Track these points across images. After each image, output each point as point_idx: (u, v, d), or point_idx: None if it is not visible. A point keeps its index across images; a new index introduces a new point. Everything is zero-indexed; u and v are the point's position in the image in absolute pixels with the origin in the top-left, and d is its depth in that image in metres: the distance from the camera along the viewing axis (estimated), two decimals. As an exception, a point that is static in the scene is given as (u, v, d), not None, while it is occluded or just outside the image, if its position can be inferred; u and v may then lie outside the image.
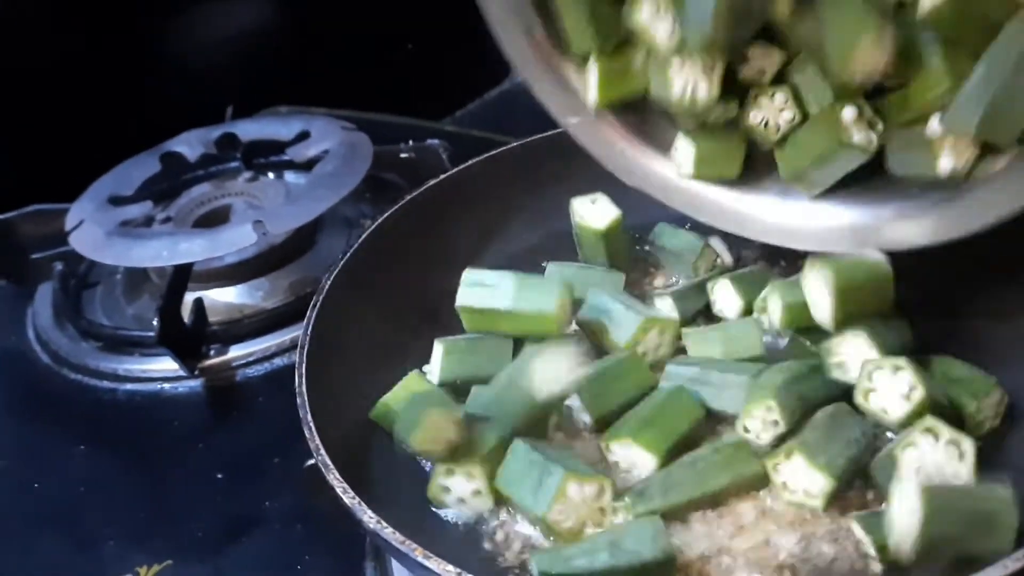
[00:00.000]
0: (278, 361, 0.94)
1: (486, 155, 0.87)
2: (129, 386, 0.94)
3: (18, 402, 0.96)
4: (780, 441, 0.65)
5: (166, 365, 0.93)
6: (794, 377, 0.67)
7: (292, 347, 0.94)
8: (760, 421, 0.65)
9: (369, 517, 0.56)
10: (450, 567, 0.52)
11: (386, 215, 0.81)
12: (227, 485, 0.82)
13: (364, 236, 0.79)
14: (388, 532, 0.55)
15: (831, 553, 0.60)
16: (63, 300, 1.03)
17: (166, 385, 0.93)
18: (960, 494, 0.58)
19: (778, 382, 0.66)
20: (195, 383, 0.93)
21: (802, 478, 0.62)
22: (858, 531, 0.60)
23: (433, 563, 0.52)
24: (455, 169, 0.86)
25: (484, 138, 1.21)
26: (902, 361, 0.63)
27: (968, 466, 0.59)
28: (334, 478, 0.59)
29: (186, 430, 0.89)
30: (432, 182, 0.84)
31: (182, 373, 0.92)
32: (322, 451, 0.60)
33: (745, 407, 0.65)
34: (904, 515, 0.55)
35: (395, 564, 0.71)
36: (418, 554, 0.53)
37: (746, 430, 0.65)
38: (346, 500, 0.57)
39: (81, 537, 0.79)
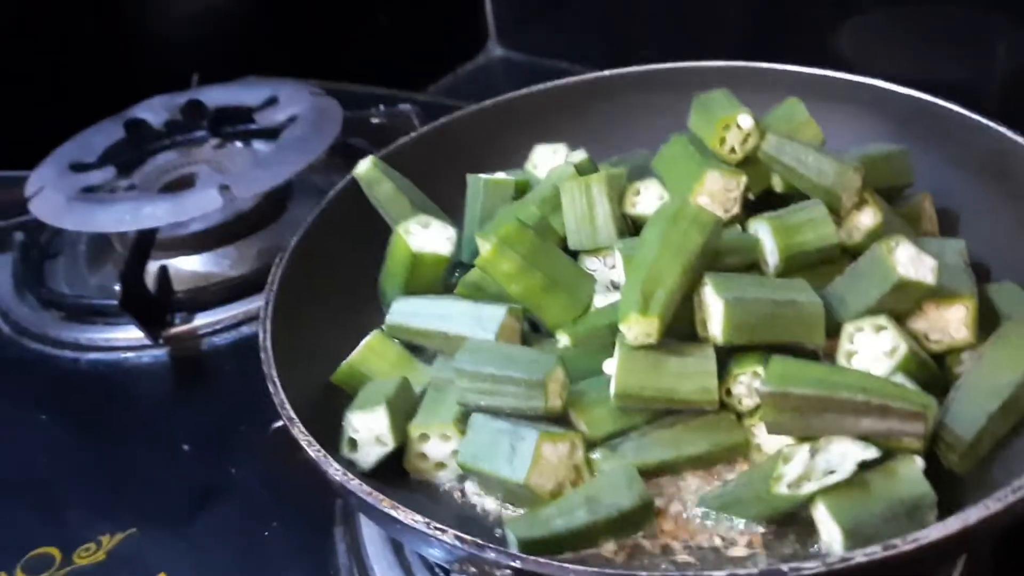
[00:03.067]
0: (245, 329, 0.91)
1: (457, 113, 0.86)
2: (92, 355, 0.91)
3: (-23, 372, 0.93)
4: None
5: (130, 334, 0.90)
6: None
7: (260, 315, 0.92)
8: (745, 387, 0.62)
9: (335, 470, 0.54)
10: (418, 517, 0.50)
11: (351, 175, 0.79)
12: (193, 454, 0.80)
13: (332, 195, 0.78)
14: (355, 484, 0.53)
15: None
16: (24, 270, 1.01)
17: (130, 354, 0.91)
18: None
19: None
20: (160, 352, 0.90)
21: (777, 443, 0.60)
22: (821, 513, 0.56)
23: (400, 514, 0.50)
24: (425, 128, 0.85)
25: (456, 107, 1.19)
26: (883, 320, 0.61)
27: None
28: (299, 431, 0.57)
29: (151, 399, 0.87)
30: (402, 140, 0.83)
31: (146, 342, 0.89)
32: (287, 406, 0.58)
33: (731, 371, 0.62)
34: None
35: (365, 529, 0.69)
36: (385, 505, 0.51)
37: (729, 394, 0.62)
38: (311, 453, 0.55)
39: (42, 506, 0.77)
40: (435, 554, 0.52)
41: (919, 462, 0.55)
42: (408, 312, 0.70)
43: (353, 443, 0.63)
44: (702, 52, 0.87)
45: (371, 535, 0.69)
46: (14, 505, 0.77)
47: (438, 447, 0.63)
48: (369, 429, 0.62)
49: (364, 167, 0.78)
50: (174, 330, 0.91)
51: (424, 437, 0.63)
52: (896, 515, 0.54)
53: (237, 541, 0.72)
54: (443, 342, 0.68)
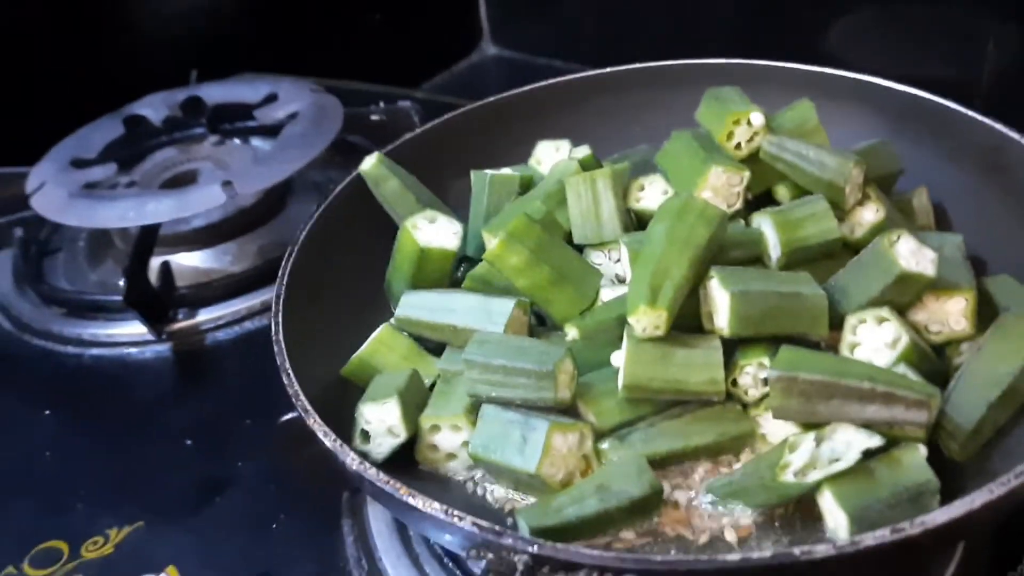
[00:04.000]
0: (248, 325, 0.92)
1: (459, 110, 0.86)
2: (95, 351, 0.91)
3: (-21, 368, 0.93)
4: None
5: (132, 329, 0.91)
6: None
7: (262, 311, 0.93)
8: (751, 377, 0.63)
9: (352, 459, 0.55)
10: (436, 504, 0.51)
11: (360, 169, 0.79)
12: (198, 447, 0.80)
13: (339, 189, 0.78)
14: (372, 473, 0.54)
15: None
16: (23, 266, 1.01)
17: (132, 350, 0.91)
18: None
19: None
20: (162, 347, 0.91)
21: (782, 433, 0.61)
22: (827, 500, 0.56)
23: (419, 501, 0.51)
24: (428, 124, 0.85)
25: (455, 104, 1.20)
26: (886, 311, 0.62)
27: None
28: (315, 422, 0.57)
29: (155, 394, 0.87)
30: (407, 136, 0.84)
31: (149, 337, 0.90)
32: (302, 397, 0.59)
33: (737, 362, 0.63)
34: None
35: (373, 522, 0.70)
36: (403, 493, 0.52)
37: (735, 384, 0.63)
38: (328, 444, 0.56)
39: (48, 501, 0.77)
40: (453, 541, 0.52)
41: (922, 450, 0.57)
42: (417, 305, 0.70)
43: (366, 435, 0.64)
44: (693, 50, 0.88)
45: (379, 527, 0.70)
46: (21, 499, 0.77)
47: (449, 438, 0.64)
48: (381, 421, 0.63)
49: (370, 163, 0.79)
50: (177, 325, 0.92)
51: (435, 428, 0.64)
52: (900, 502, 0.55)
53: (245, 534, 0.72)
54: (452, 335, 0.68)
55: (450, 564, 0.66)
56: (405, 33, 1.49)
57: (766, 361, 0.62)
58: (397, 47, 1.48)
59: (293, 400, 0.59)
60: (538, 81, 0.92)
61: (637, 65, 0.88)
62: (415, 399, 0.65)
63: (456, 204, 0.82)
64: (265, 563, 0.70)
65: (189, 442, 0.81)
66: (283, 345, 0.62)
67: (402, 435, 0.63)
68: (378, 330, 0.71)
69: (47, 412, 0.86)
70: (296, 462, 0.72)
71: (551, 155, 0.82)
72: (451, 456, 0.64)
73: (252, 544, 0.72)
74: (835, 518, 0.56)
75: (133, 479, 0.79)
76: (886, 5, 1.15)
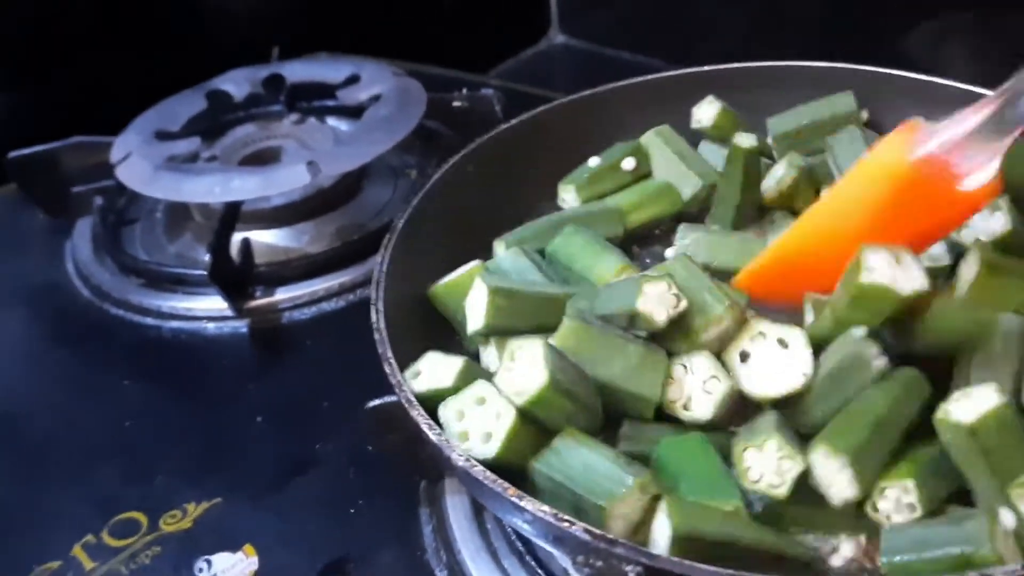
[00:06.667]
0: (325, 306, 0.92)
1: (572, 96, 0.86)
2: (173, 324, 0.92)
3: (60, 334, 0.93)
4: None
5: (210, 304, 0.91)
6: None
7: (341, 292, 0.93)
8: (894, 502, 0.58)
9: (458, 455, 0.54)
10: (545, 508, 0.50)
11: (461, 154, 0.80)
12: (276, 426, 0.80)
13: (435, 178, 0.78)
14: (478, 471, 0.53)
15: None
16: (103, 235, 1.01)
17: (210, 325, 0.91)
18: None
19: (922, 458, 0.58)
20: (240, 324, 0.91)
21: None
22: None
23: (528, 504, 0.51)
24: (540, 108, 0.85)
25: (530, 93, 1.19)
26: None
27: None
28: (418, 414, 0.57)
29: (233, 370, 0.87)
30: (514, 121, 0.84)
31: (227, 313, 0.90)
32: (405, 388, 0.59)
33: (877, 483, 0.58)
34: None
35: (451, 512, 0.70)
36: (511, 494, 0.52)
37: (875, 509, 0.58)
38: (432, 437, 0.56)
39: (129, 470, 0.77)
40: (560, 546, 0.52)
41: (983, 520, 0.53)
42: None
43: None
44: (765, 44, 0.86)
45: (458, 519, 0.69)
46: (101, 468, 0.78)
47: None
48: None
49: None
50: (255, 303, 0.92)
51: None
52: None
53: (322, 516, 0.72)
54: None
55: (531, 561, 0.65)
56: (474, 19, 1.48)
57: (911, 484, 0.57)
58: (465, 33, 1.47)
59: (396, 391, 0.59)
60: (604, 72, 0.92)
61: (738, 64, 0.87)
62: None
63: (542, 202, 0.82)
64: (342, 547, 0.70)
65: (266, 420, 0.81)
66: (384, 335, 0.62)
67: None
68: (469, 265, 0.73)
69: (126, 382, 0.86)
70: (380, 449, 0.72)
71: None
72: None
73: (329, 527, 0.71)
74: None
75: (211, 454, 0.79)
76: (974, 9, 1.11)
